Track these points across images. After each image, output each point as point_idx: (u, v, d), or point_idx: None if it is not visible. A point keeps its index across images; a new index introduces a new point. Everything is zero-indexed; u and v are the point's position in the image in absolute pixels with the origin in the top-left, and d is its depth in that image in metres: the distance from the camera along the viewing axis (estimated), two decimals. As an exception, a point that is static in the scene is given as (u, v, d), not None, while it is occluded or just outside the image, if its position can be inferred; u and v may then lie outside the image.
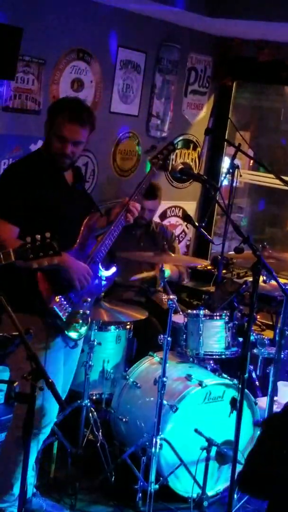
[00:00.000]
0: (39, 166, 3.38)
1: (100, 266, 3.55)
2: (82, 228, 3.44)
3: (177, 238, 5.80)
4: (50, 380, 2.48)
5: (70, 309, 3.36)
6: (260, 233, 6.86)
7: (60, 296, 3.31)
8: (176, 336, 4.20)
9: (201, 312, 4.15)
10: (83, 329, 3.47)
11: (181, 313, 4.29)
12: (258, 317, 4.84)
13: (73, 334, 3.41)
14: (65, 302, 3.33)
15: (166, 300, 3.92)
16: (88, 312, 3.51)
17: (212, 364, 4.22)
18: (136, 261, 4.69)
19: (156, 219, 5.30)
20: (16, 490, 3.41)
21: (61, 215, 3.32)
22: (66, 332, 3.36)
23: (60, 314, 3.30)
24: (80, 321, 3.43)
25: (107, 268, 3.61)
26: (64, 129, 3.31)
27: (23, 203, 3.25)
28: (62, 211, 3.35)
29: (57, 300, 3.28)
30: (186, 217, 5.86)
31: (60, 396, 2.55)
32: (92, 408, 4.05)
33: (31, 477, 3.56)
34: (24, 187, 3.28)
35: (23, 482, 2.68)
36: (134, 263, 4.77)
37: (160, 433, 3.76)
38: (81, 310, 3.43)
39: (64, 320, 3.33)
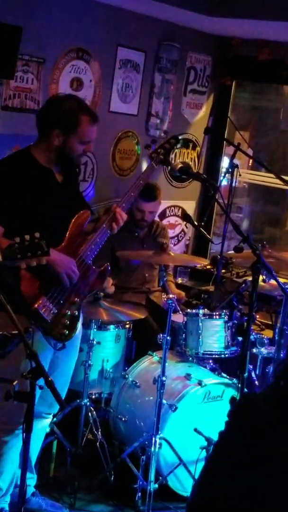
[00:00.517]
0: (28, 164, 3.30)
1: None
2: (70, 226, 3.35)
3: (176, 238, 5.81)
4: (49, 379, 2.48)
5: (55, 310, 3.23)
6: (260, 232, 6.86)
7: (44, 297, 3.19)
8: (175, 336, 4.20)
9: (201, 311, 4.15)
10: (72, 332, 3.33)
11: (180, 312, 4.29)
12: (258, 316, 4.84)
13: (58, 337, 3.28)
14: (49, 303, 3.21)
15: (165, 299, 3.92)
16: (76, 313, 3.36)
17: (212, 364, 4.22)
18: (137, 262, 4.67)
19: (155, 218, 5.28)
20: (3, 484, 3.39)
21: (49, 214, 3.26)
22: (51, 334, 3.25)
23: (44, 315, 3.17)
24: (68, 323, 3.30)
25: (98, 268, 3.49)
26: (89, 133, 3.31)
27: (10, 203, 3.17)
28: (50, 210, 3.28)
29: (41, 301, 3.17)
30: (185, 217, 5.86)
31: (60, 395, 2.54)
32: (91, 407, 4.06)
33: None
34: (12, 186, 3.21)
35: (22, 481, 2.67)
36: (135, 264, 4.77)
37: (159, 432, 3.76)
38: (68, 312, 3.30)
39: (49, 321, 3.20)
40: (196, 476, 3.81)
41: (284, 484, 1.83)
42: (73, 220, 3.37)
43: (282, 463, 1.85)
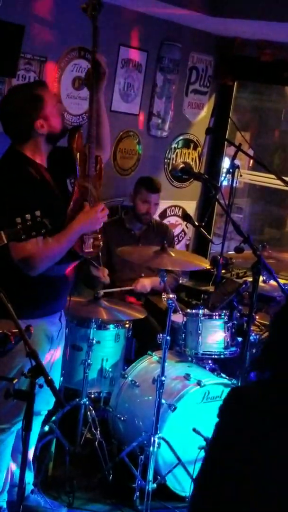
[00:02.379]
0: (25, 166, 3.22)
1: None
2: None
3: (176, 238, 5.81)
4: (49, 378, 2.48)
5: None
6: (260, 233, 6.86)
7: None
8: (175, 336, 4.20)
9: (201, 311, 4.14)
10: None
11: (180, 312, 4.29)
12: (257, 317, 4.84)
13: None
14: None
15: (165, 299, 3.91)
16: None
17: (211, 364, 4.22)
18: (137, 262, 4.66)
19: (155, 217, 5.29)
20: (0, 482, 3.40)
21: (62, 211, 3.25)
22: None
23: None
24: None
25: None
26: (51, 98, 3.30)
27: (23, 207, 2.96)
28: (61, 208, 3.27)
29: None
30: (185, 217, 5.86)
31: (60, 394, 2.54)
32: (90, 407, 4.06)
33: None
34: (22, 190, 3.12)
35: (21, 479, 2.68)
36: (133, 263, 4.76)
37: (158, 432, 3.77)
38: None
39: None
40: (195, 476, 3.81)
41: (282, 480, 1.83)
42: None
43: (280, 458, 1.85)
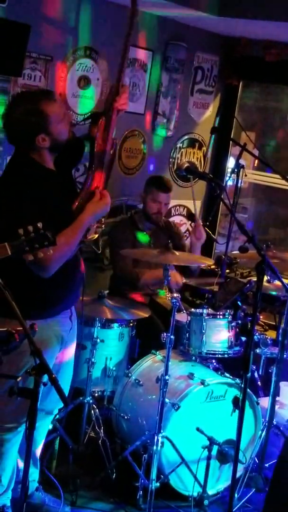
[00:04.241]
0: (34, 170, 3.21)
1: None
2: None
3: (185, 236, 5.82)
4: (53, 376, 2.49)
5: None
6: (264, 233, 6.86)
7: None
8: (179, 335, 4.20)
9: (205, 311, 4.15)
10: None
11: (184, 311, 4.30)
12: (261, 317, 4.84)
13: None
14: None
15: (169, 298, 3.92)
16: None
17: (215, 363, 4.22)
18: (145, 261, 4.67)
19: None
20: (5, 480, 3.40)
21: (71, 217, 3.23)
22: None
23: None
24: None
25: None
26: (55, 109, 3.23)
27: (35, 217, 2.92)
28: (71, 214, 3.25)
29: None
30: (190, 216, 5.88)
31: (64, 392, 2.55)
32: (94, 405, 4.07)
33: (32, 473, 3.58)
34: (35, 198, 3.10)
35: (25, 477, 2.69)
36: (143, 263, 4.77)
37: (161, 431, 3.77)
38: None
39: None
40: (198, 475, 3.82)
41: None
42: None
43: None
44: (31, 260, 2.71)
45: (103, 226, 3.40)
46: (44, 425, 3.60)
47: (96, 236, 3.37)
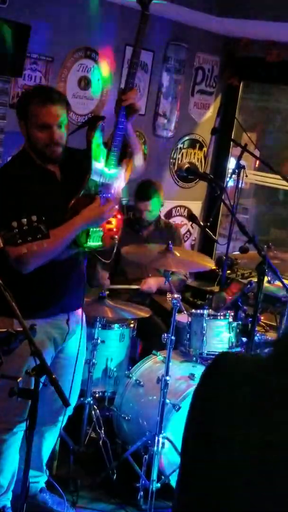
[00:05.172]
0: (27, 166, 3.19)
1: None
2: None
3: (184, 238, 5.81)
4: (53, 376, 2.48)
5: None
6: (265, 234, 6.86)
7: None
8: (179, 335, 4.20)
9: (205, 311, 4.14)
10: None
11: (185, 312, 4.29)
12: (262, 317, 4.84)
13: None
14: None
15: (170, 299, 3.91)
16: None
17: (215, 364, 4.21)
18: (142, 262, 4.66)
19: (162, 217, 5.29)
20: (4, 481, 3.39)
21: (49, 219, 3.20)
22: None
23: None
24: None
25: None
26: (41, 116, 3.07)
27: (17, 211, 2.91)
28: (50, 215, 3.20)
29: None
30: (191, 217, 5.86)
31: (64, 393, 2.54)
32: (94, 406, 4.07)
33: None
34: (14, 192, 3.08)
35: (25, 478, 2.68)
36: (141, 265, 4.77)
37: (162, 431, 3.76)
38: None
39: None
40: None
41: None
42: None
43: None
44: (19, 254, 2.69)
45: (116, 236, 3.33)
46: (51, 435, 3.59)
47: (108, 244, 3.32)
